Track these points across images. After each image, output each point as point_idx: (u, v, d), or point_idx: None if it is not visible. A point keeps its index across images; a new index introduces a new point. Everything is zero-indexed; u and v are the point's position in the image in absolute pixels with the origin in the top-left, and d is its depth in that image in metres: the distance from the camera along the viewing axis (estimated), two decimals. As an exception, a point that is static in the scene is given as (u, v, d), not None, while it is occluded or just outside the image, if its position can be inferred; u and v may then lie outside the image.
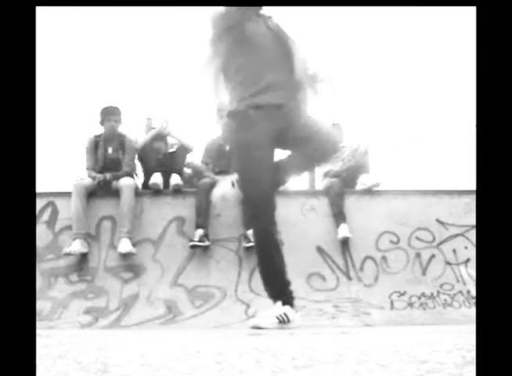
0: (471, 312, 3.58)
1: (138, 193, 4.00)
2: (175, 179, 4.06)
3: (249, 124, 2.25)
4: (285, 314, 2.21)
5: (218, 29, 2.31)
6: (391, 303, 3.67)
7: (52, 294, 3.62)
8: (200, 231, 3.76)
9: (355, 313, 3.55)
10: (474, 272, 3.85)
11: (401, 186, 4.55)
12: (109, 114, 4.14)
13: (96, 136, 4.19)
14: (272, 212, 2.28)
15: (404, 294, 3.74)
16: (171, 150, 4.57)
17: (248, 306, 3.56)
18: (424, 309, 3.65)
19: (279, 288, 2.31)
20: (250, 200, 2.34)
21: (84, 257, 3.77)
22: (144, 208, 3.97)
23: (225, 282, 3.74)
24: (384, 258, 3.91)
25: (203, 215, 3.82)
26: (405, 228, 4.00)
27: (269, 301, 2.35)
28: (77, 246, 3.66)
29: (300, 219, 3.99)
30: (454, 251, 3.97)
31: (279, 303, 2.27)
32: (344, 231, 3.87)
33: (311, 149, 2.33)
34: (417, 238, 3.99)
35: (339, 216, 3.96)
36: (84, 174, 4.11)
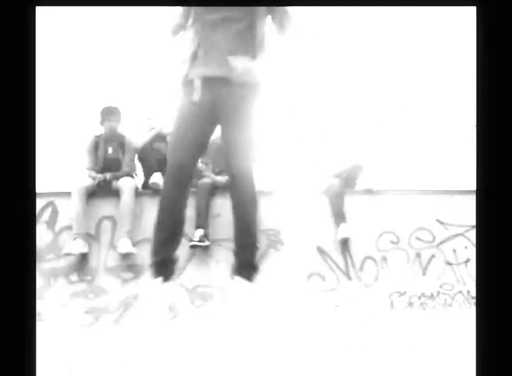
0: (471, 312, 3.59)
1: (138, 193, 4.00)
2: (175, 179, 4.05)
3: (191, 94, 2.17)
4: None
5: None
6: (391, 303, 3.67)
7: (52, 295, 3.62)
8: (200, 231, 3.76)
9: (354, 313, 3.55)
10: (474, 272, 3.85)
11: (401, 186, 4.54)
12: (109, 115, 4.14)
13: (96, 136, 4.19)
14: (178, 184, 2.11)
15: (404, 294, 3.74)
16: (171, 150, 4.56)
17: (248, 306, 3.56)
18: (424, 309, 3.65)
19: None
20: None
21: (84, 257, 3.77)
22: (144, 208, 3.97)
23: (225, 282, 3.73)
24: (384, 258, 3.91)
25: (203, 215, 3.82)
26: (405, 228, 4.00)
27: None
28: (77, 246, 3.66)
29: (300, 219, 3.98)
30: (454, 251, 3.98)
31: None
32: (344, 231, 3.87)
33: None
34: (417, 238, 3.99)
35: (339, 216, 3.96)
36: (84, 174, 4.11)
